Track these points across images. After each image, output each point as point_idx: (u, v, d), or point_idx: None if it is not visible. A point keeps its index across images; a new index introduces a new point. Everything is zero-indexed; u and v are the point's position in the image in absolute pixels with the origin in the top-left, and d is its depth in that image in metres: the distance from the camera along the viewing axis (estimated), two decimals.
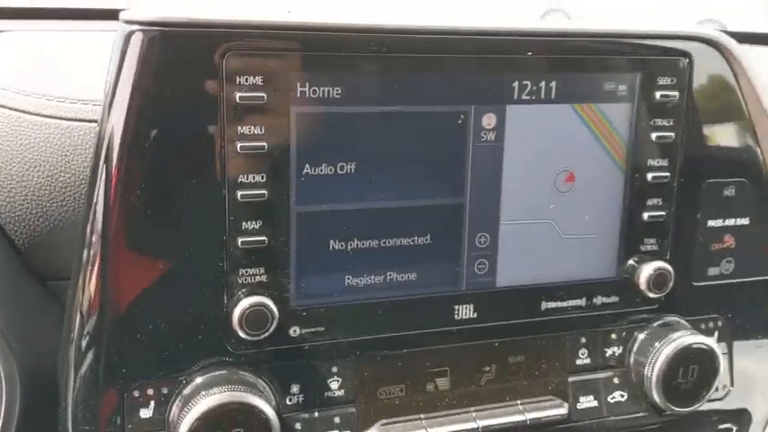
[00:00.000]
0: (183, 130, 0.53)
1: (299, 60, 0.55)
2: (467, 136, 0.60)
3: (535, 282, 0.65)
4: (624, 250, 0.67)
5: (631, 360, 0.70)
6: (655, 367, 0.67)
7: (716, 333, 0.73)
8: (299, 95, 0.55)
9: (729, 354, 0.74)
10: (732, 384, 0.74)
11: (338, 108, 0.56)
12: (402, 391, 0.63)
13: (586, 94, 0.63)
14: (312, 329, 0.59)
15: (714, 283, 0.72)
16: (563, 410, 0.67)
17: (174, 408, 0.56)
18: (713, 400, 0.73)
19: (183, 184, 0.54)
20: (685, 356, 0.67)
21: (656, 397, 0.68)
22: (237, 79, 0.53)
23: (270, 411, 0.55)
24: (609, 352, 0.70)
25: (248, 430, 0.54)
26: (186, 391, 0.56)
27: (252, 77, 0.53)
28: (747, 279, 0.73)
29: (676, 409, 0.68)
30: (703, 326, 0.72)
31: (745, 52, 0.67)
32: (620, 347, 0.70)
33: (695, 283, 0.71)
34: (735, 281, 0.73)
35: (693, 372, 0.68)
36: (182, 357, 0.56)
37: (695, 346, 0.67)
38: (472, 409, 0.65)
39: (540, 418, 0.66)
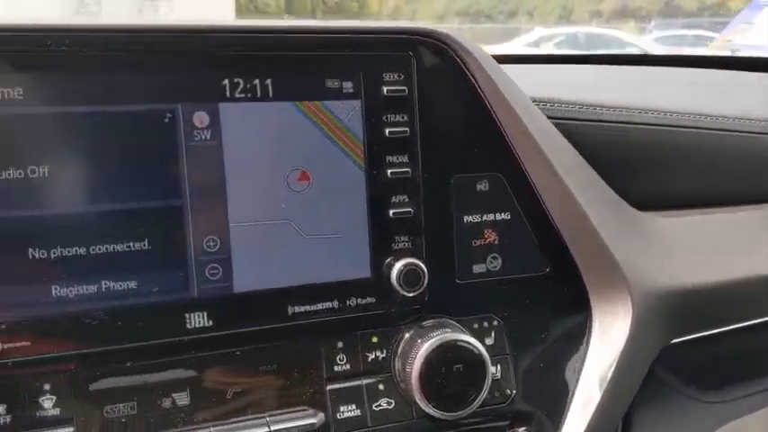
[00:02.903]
0: None
1: None
2: (177, 135, 0.59)
3: (279, 285, 0.63)
4: (376, 249, 0.66)
5: (397, 364, 0.67)
6: (414, 367, 0.64)
7: (492, 333, 0.71)
8: None
9: (511, 355, 0.72)
10: (516, 388, 0.71)
11: (21, 109, 0.55)
12: (133, 409, 0.60)
13: (308, 91, 0.63)
14: (15, 344, 0.56)
15: (481, 280, 0.70)
16: (314, 420, 0.63)
17: None
18: (495, 405, 0.70)
19: None
20: (445, 355, 0.64)
21: (419, 401, 0.64)
22: None
23: None
24: (371, 356, 0.67)
25: None
26: None
27: None
28: (517, 276, 0.72)
29: (443, 413, 0.65)
30: (476, 325, 0.70)
31: (476, 46, 0.68)
32: (384, 351, 0.67)
33: (460, 281, 0.69)
34: (504, 277, 0.71)
35: (458, 372, 0.65)
36: None
37: (455, 343, 0.65)
38: (210, 424, 0.61)
39: (287, 429, 0.62)
